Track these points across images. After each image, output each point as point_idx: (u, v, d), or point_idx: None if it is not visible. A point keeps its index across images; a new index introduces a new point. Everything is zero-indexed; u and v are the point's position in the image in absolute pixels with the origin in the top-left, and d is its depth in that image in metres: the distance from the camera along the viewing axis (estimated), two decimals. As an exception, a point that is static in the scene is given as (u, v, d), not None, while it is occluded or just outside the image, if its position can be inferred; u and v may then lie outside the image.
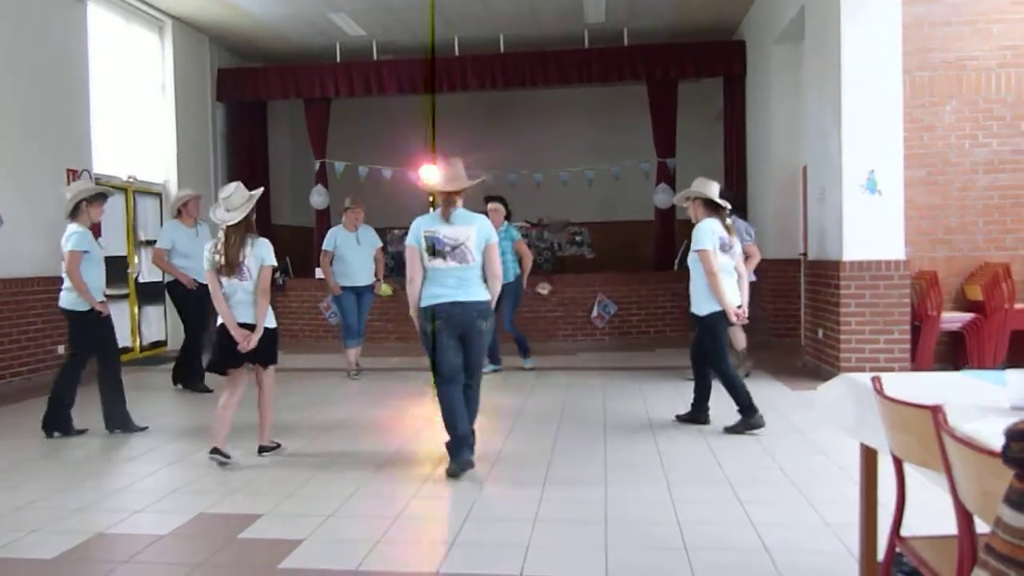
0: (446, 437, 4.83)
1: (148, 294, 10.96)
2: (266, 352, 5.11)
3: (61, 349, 8.76)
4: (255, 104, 12.79)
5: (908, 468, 2.25)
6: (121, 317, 10.33)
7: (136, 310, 10.72)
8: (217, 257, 4.96)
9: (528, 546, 3.59)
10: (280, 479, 4.82)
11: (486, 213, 7.77)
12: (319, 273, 10.16)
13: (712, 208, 5.73)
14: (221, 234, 4.99)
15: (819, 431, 5.49)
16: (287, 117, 14.44)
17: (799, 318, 9.58)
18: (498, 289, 4.95)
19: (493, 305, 4.94)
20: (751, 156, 11.53)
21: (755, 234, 7.43)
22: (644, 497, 4.29)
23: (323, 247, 8.25)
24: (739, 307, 5.67)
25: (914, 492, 2.34)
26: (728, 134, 12.09)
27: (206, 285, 5.56)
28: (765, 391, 7.28)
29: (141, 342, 10.85)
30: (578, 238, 11.72)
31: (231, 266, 4.93)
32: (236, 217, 4.91)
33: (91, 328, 6.01)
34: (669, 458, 5.07)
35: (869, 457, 2.67)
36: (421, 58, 11.86)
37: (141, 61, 11.07)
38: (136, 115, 10.97)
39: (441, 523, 3.92)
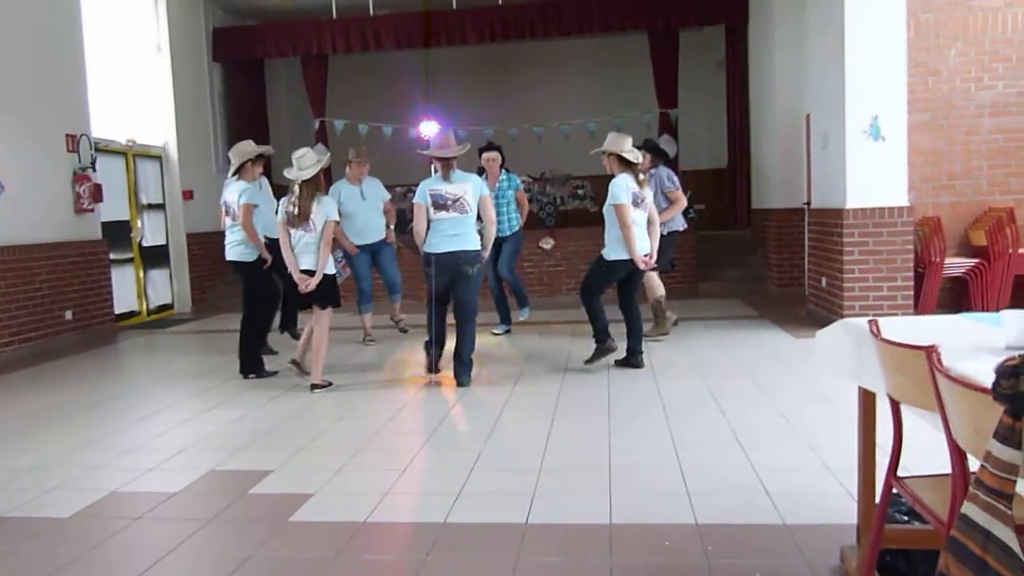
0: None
1: (152, 257, 11.06)
2: (323, 295, 5.87)
3: (69, 314, 8.85)
4: (252, 63, 12.70)
5: (905, 410, 2.28)
6: (126, 281, 10.44)
7: (141, 274, 10.80)
8: (292, 208, 5.73)
9: (533, 495, 3.65)
10: (288, 435, 4.90)
11: (480, 168, 7.89)
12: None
13: (625, 164, 6.07)
14: (296, 188, 5.72)
15: (821, 378, 5.54)
16: (285, 75, 14.34)
17: (802, 267, 9.58)
18: (493, 233, 6.13)
19: (487, 251, 6.09)
20: (754, 104, 11.43)
21: (678, 181, 7.47)
22: (646, 443, 4.35)
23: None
24: (646, 255, 6.11)
25: (911, 434, 2.37)
26: (730, 83, 11.99)
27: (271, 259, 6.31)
28: (768, 339, 7.34)
29: (148, 305, 10.94)
30: (580, 192, 11.58)
31: (302, 217, 5.72)
32: (309, 173, 5.68)
33: (259, 276, 6.48)
34: (671, 404, 5.13)
35: (867, 400, 2.70)
36: (419, 12, 11.73)
37: (136, 22, 10.97)
38: (133, 78, 10.93)
39: (447, 475, 3.98)
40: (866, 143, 7.22)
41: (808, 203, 8.97)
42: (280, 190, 6.73)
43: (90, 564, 3.18)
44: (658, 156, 7.49)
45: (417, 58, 13.17)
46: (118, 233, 10.20)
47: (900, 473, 2.32)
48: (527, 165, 11.99)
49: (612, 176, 6.16)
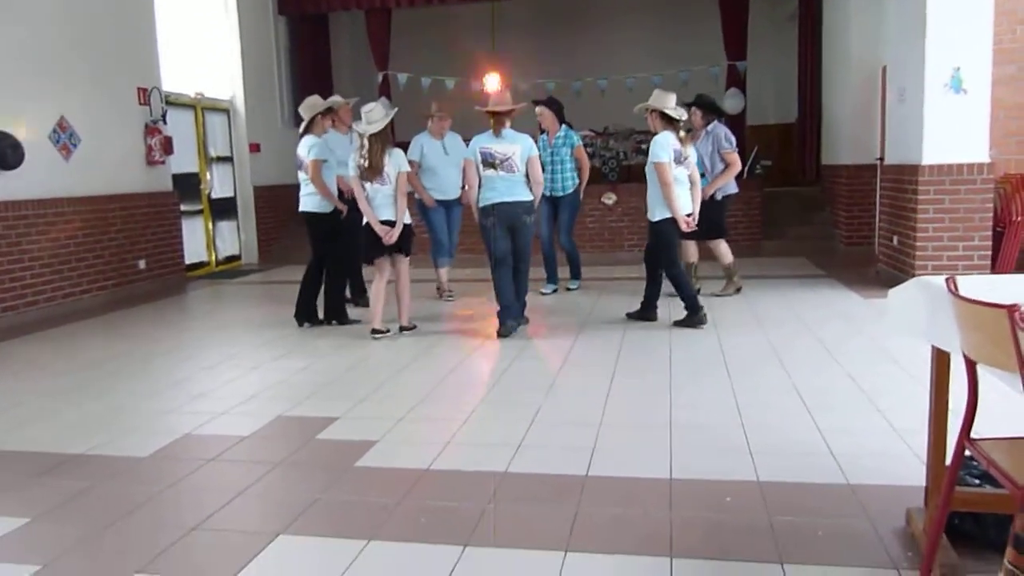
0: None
1: (221, 210, 11.30)
2: (403, 244, 6.04)
3: (142, 264, 9.15)
4: (316, 17, 12.70)
5: (981, 371, 2.21)
6: (196, 232, 10.71)
7: (210, 226, 11.06)
8: (362, 162, 5.82)
9: (594, 449, 3.67)
10: (353, 384, 5.00)
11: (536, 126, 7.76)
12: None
13: (668, 121, 6.00)
14: (365, 141, 5.80)
15: (890, 339, 5.41)
16: (349, 29, 14.33)
17: (873, 225, 9.31)
18: (539, 193, 6.23)
19: (537, 203, 6.21)
20: (827, 58, 11.04)
21: (735, 141, 7.21)
22: (709, 401, 4.32)
23: (408, 156, 6.98)
24: (688, 215, 6.07)
25: (985, 399, 2.30)
26: (802, 36, 11.60)
27: (348, 212, 6.38)
28: (837, 301, 7.18)
29: (216, 256, 11.22)
30: (644, 147, 11.33)
31: (374, 170, 5.82)
32: (379, 127, 5.78)
33: (332, 228, 6.56)
34: (734, 363, 5.08)
35: (941, 360, 2.62)
36: (483, -38, 11.54)
37: (203, -24, 11.05)
38: (201, 32, 11.04)
39: (508, 426, 4.02)
40: (946, 96, 6.91)
41: (881, 159, 8.67)
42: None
43: (166, 502, 3.33)
44: (712, 112, 7.22)
45: (480, 11, 13.10)
46: (188, 185, 10.43)
47: (972, 436, 2.26)
48: (590, 119, 11.88)
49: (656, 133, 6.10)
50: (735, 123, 11.33)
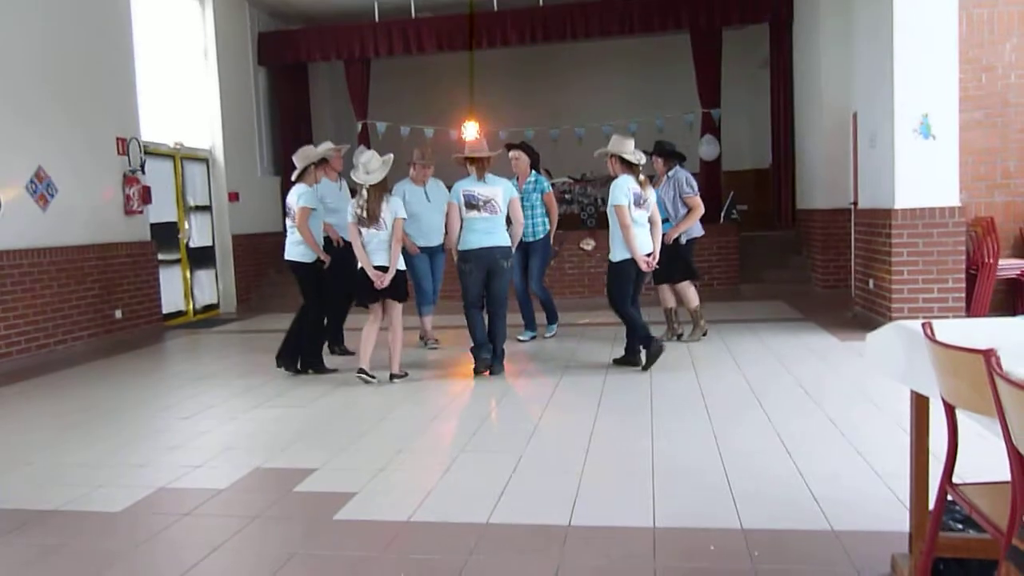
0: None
1: (200, 259, 11.21)
2: (396, 290, 6.10)
3: (119, 314, 9.06)
4: (296, 67, 12.84)
5: (960, 415, 2.22)
6: (174, 281, 10.62)
7: (188, 274, 10.96)
8: (360, 211, 5.99)
9: (576, 497, 3.64)
10: (331, 434, 4.94)
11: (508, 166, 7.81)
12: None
13: (626, 165, 6.18)
14: (364, 191, 5.97)
15: (869, 381, 5.44)
16: (328, 78, 14.48)
17: (848, 268, 9.40)
18: (519, 233, 6.60)
19: (514, 246, 6.51)
20: (799, 103, 11.27)
21: (696, 186, 7.27)
22: (690, 446, 4.31)
23: None
24: (648, 255, 6.24)
25: (966, 441, 2.31)
26: (775, 82, 11.82)
27: (332, 261, 6.56)
28: (814, 342, 7.22)
29: (194, 305, 11.11)
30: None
31: (372, 218, 5.98)
32: (377, 177, 5.96)
33: (316, 276, 6.61)
34: (715, 407, 5.07)
35: (920, 404, 2.62)
36: (460, 14, 11.77)
37: (183, 28, 11.17)
38: (180, 82, 11.10)
39: (490, 475, 3.98)
40: (916, 141, 7.04)
41: (855, 203, 8.79)
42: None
43: (140, 558, 3.25)
44: (673, 158, 7.29)
45: (458, 60, 13.20)
46: (166, 234, 10.39)
47: (954, 480, 2.26)
48: (569, 166, 12.04)
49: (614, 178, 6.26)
50: (710, 169, 11.78)
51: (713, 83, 11.76)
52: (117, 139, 9.22)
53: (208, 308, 11.40)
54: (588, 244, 10.98)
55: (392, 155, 6.17)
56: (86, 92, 8.75)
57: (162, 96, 10.62)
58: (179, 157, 10.80)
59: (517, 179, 7.59)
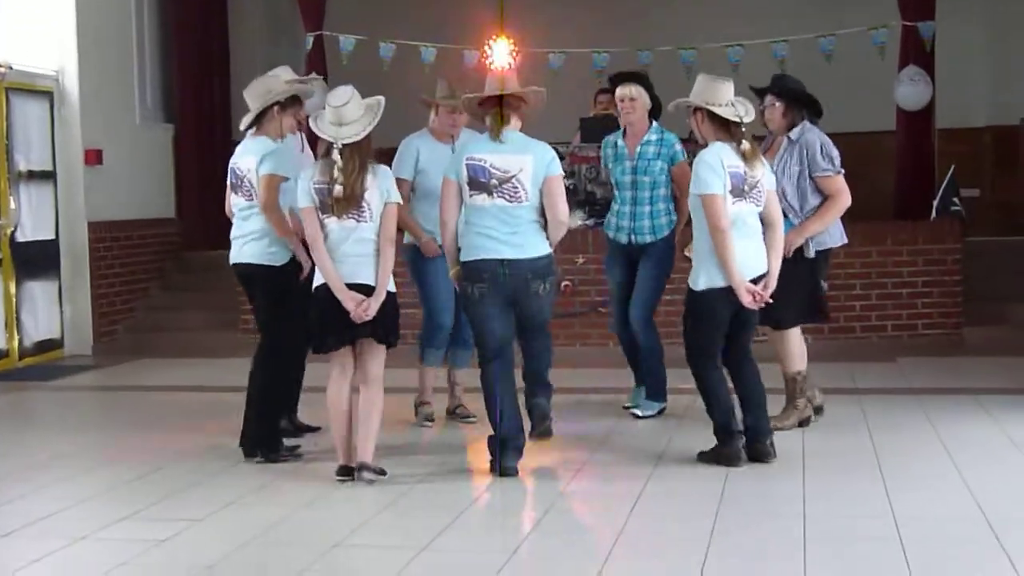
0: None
1: (31, 263, 8.28)
2: (383, 324, 4.41)
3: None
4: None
5: None
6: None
7: (12, 289, 7.94)
8: (328, 186, 4.27)
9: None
10: (246, 571, 3.44)
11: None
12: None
13: (722, 126, 4.54)
14: (335, 155, 4.29)
15: None
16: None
17: None
18: (559, 235, 4.77)
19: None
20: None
21: (838, 158, 5.22)
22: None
23: (395, 173, 5.24)
24: (758, 280, 4.54)
25: None
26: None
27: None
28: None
29: (22, 342, 8.32)
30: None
31: (348, 201, 4.30)
32: (357, 131, 4.31)
33: (285, 290, 4.89)
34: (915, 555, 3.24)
35: None
36: None
37: None
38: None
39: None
40: None
41: None
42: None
43: None
44: (801, 107, 5.42)
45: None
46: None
47: None
48: (666, 116, 8.70)
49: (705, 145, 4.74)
50: (915, 124, 9.21)
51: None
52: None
53: (45, 347, 8.65)
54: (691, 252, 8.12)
55: (383, 98, 4.45)
56: None
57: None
58: (3, 87, 7.94)
59: (624, 135, 5.93)
